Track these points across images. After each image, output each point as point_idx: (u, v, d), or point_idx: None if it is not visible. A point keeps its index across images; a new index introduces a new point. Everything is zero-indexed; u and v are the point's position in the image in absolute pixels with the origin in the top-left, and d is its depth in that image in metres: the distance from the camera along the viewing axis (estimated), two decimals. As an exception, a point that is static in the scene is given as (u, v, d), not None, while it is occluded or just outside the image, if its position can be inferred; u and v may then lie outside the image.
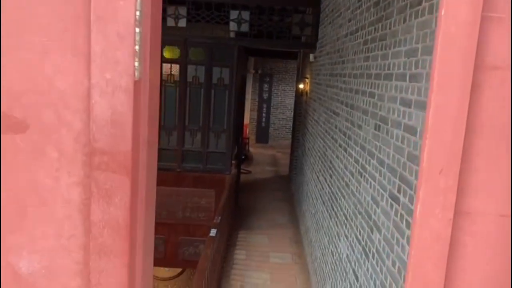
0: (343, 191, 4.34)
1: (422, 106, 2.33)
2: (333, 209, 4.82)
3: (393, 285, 2.63)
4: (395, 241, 2.63)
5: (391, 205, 2.74)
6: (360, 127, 3.76)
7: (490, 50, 0.89)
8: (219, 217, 5.75)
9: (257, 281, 6.04)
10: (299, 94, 9.64)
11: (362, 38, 3.96)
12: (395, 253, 2.63)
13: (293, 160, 10.15)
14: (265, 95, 16.44)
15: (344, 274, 4.03)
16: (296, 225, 8.02)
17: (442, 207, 0.89)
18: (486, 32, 0.89)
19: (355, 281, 3.60)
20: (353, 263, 3.73)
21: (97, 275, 0.86)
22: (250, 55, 12.72)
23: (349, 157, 4.15)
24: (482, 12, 0.87)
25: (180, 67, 7.64)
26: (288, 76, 16.23)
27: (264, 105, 16.49)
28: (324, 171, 5.64)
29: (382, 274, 2.87)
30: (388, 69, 3.01)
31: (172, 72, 7.67)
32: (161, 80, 7.60)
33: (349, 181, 4.06)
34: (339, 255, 4.33)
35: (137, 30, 0.83)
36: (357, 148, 3.80)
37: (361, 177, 3.59)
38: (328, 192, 5.19)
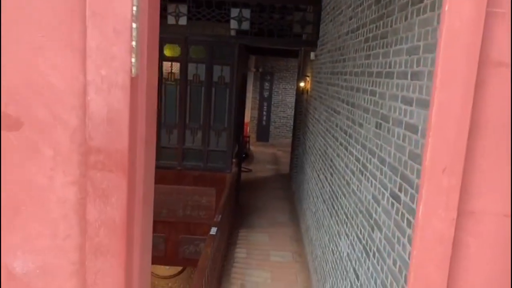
0: (343, 189, 4.32)
1: (424, 104, 2.31)
2: (333, 208, 4.80)
3: (394, 284, 2.62)
4: (396, 240, 2.62)
5: (392, 204, 2.72)
6: (361, 125, 3.74)
7: (494, 46, 0.87)
8: (220, 216, 5.74)
9: (257, 280, 6.04)
10: (300, 93, 9.62)
11: (363, 36, 3.94)
12: (396, 252, 2.61)
13: (293, 159, 10.13)
14: (266, 94, 16.42)
15: (345, 273, 4.02)
16: (296, 223, 8.01)
17: (445, 207, 0.87)
18: (491, 27, 0.87)
19: (356, 280, 3.59)
20: (353, 262, 3.71)
21: (93, 275, 0.85)
22: (251, 53, 12.70)
23: (350, 156, 4.13)
24: (487, 8, 0.86)
25: (180, 65, 7.62)
26: (289, 75, 16.20)
27: (265, 104, 16.47)
28: (324, 169, 5.62)
29: (383, 273, 2.86)
30: (390, 67, 2.99)
31: (173, 70, 7.66)
32: (162, 78, 7.59)
33: (350, 179, 4.05)
34: (339, 253, 4.31)
35: (134, 25, 0.81)
36: (358, 147, 3.79)
37: (362, 175, 3.58)
38: (329, 190, 5.17)
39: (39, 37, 0.81)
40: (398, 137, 2.68)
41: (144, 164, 0.91)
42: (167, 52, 7.61)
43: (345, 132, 4.42)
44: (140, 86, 0.88)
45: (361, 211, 3.55)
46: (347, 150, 4.28)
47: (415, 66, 2.49)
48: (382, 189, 2.98)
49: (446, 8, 0.87)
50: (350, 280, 3.80)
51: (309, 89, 8.12)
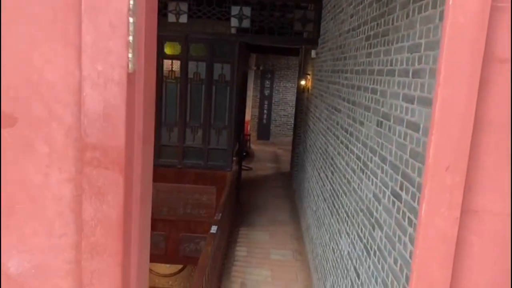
0: (344, 188, 4.30)
1: (425, 102, 2.29)
2: (334, 206, 4.79)
3: (395, 283, 2.61)
4: (397, 239, 2.60)
5: (393, 203, 2.71)
6: (362, 123, 3.73)
7: (499, 42, 0.86)
8: (220, 214, 5.72)
9: (258, 278, 6.03)
10: (300, 91, 9.60)
11: (364, 33, 3.92)
12: (397, 251, 2.60)
13: (294, 157, 10.12)
14: (267, 92, 16.39)
15: (345, 271, 4.00)
16: (297, 222, 8.00)
17: (448, 205, 0.86)
18: (496, 22, 0.85)
19: (357, 278, 3.58)
20: (354, 261, 3.70)
21: (89, 274, 0.83)
22: (251, 51, 12.68)
23: (350, 154, 4.11)
24: (492, 2, 0.84)
25: (181, 63, 7.60)
26: (290, 73, 16.17)
27: (266, 102, 16.44)
28: (325, 168, 5.60)
29: (383, 271, 2.85)
30: (391, 65, 2.97)
31: (173, 68, 7.64)
32: (162, 76, 7.58)
33: (351, 178, 4.03)
34: (340, 252, 4.30)
35: (131, 20, 0.79)
36: (359, 145, 3.77)
37: (363, 174, 3.56)
38: (330, 189, 5.16)
39: (33, 32, 0.79)
40: (399, 135, 2.66)
41: (141, 161, 0.90)
42: (168, 50, 7.59)
43: (346, 131, 4.40)
44: (138, 82, 0.86)
45: (361, 210, 3.54)
46: (347, 149, 4.26)
47: (416, 64, 2.47)
48: (383, 187, 2.96)
49: (450, 3, 0.85)
50: (350, 279, 3.79)
51: (310, 87, 8.10)
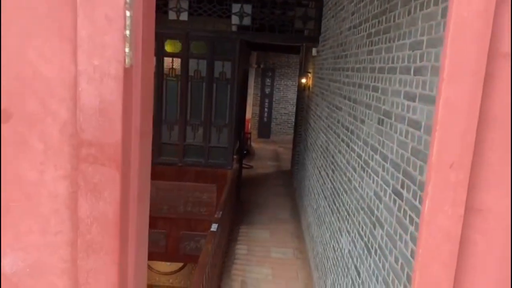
0: (345, 186, 4.29)
1: (427, 99, 2.27)
2: (335, 205, 4.77)
3: (396, 281, 2.59)
4: (398, 237, 2.59)
5: (394, 201, 2.69)
6: (363, 121, 3.71)
7: (505, 36, 0.84)
8: (221, 212, 5.71)
9: (258, 276, 6.02)
10: (301, 89, 9.57)
11: (365, 31, 3.90)
12: (398, 249, 2.58)
13: (295, 155, 10.10)
14: (267, 90, 16.36)
15: (346, 270, 3.99)
16: (297, 220, 7.99)
17: (452, 203, 0.84)
18: (501, 17, 0.83)
19: (357, 277, 3.56)
20: (355, 259, 3.68)
21: (85, 273, 0.81)
22: (252, 49, 12.65)
23: (351, 152, 4.09)
24: (497, -5, 0.82)
25: (181, 61, 7.58)
26: (291, 71, 16.14)
27: (266, 100, 16.42)
28: (326, 166, 5.59)
29: (384, 270, 2.83)
30: (392, 62, 2.95)
31: (174, 66, 7.62)
32: (163, 74, 7.56)
33: (352, 176, 4.01)
34: (341, 250, 4.29)
35: (128, 13, 0.78)
36: (360, 143, 3.75)
37: (364, 172, 3.54)
38: (330, 187, 5.14)
39: (27, 25, 0.78)
40: (401, 133, 2.65)
41: (139, 157, 0.88)
42: (168, 47, 7.57)
43: (347, 129, 4.38)
44: (135, 77, 0.85)
45: (362, 208, 3.52)
46: (348, 147, 4.25)
47: (418, 61, 2.45)
48: (384, 185, 2.95)
49: (454, -4, 0.84)
50: (351, 277, 3.77)
51: (310, 86, 8.08)
